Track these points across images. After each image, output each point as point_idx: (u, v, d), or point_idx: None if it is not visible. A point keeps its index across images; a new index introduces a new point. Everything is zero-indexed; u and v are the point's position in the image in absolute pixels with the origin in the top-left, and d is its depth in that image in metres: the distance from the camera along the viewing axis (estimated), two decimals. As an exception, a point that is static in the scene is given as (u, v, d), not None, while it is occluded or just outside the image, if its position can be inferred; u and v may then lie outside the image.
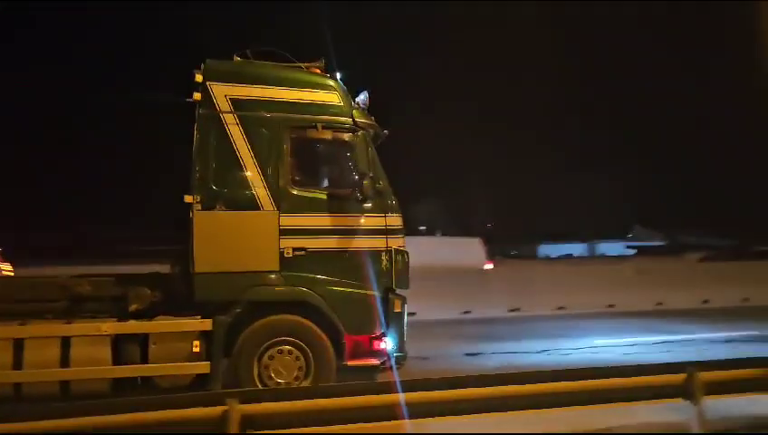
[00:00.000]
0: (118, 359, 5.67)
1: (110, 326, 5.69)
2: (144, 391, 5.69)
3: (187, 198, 5.91)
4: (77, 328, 5.65)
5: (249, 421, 3.98)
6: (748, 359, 5.13)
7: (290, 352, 5.98)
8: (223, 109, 6.08)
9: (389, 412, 4.26)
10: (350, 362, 6.17)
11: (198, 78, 6.07)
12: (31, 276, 8.56)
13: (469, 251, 19.42)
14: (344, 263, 6.22)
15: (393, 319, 6.29)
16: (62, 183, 34.03)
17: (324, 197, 6.27)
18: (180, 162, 6.43)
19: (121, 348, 5.70)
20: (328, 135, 6.25)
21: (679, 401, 4.75)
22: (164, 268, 6.90)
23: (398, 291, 6.40)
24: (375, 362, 6.23)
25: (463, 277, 15.27)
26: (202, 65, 6.17)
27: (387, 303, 6.28)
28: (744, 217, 35.96)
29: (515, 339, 10.44)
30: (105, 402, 4.14)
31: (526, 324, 12.58)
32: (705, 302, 15.05)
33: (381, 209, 6.34)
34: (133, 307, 5.96)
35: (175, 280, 6.32)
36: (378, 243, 6.32)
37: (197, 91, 6.05)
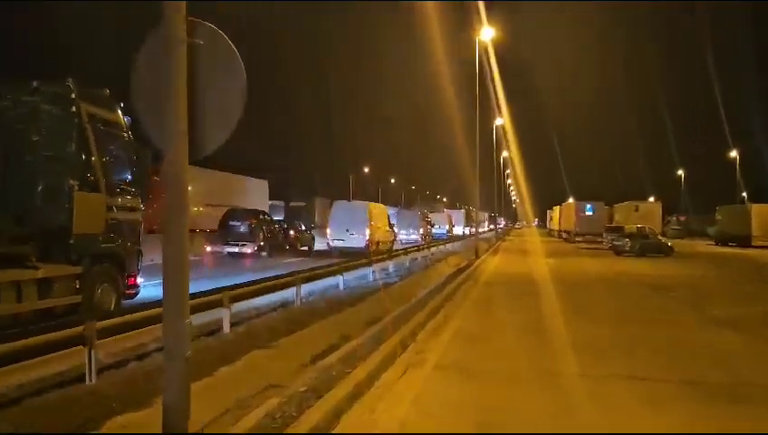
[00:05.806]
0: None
1: (42, 271, 7.63)
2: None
3: (71, 182, 8.33)
4: (29, 273, 7.39)
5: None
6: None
7: (107, 289, 9.25)
8: (85, 122, 8.67)
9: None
10: (126, 292, 9.86)
11: (74, 96, 8.46)
12: None
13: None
14: (127, 228, 9.84)
15: (141, 264, 10.36)
16: None
17: (124, 187, 9.70)
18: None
19: (41, 287, 7.69)
20: (129, 147, 9.78)
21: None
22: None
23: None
24: (133, 291, 10.12)
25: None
26: (71, 85, 8.48)
27: (139, 254, 10.30)
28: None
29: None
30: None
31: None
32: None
33: (141, 197, 10.30)
34: (33, 260, 7.79)
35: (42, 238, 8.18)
36: (138, 216, 10.26)
37: (72, 105, 8.45)
